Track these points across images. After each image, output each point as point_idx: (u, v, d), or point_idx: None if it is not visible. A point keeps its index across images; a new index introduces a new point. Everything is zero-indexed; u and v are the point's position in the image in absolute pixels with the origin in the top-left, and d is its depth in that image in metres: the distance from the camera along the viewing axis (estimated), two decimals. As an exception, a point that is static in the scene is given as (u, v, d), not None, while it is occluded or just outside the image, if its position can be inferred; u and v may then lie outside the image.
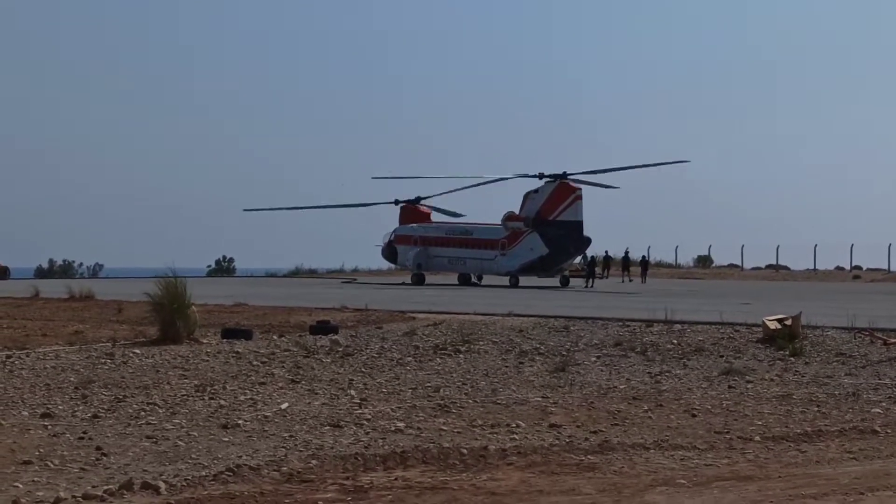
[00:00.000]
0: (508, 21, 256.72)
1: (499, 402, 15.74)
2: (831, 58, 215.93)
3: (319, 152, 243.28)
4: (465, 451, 11.77)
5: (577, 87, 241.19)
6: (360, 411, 14.66)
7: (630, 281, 66.70)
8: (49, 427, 13.15)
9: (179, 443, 12.29)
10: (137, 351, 20.44)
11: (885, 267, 79.91)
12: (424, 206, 68.54)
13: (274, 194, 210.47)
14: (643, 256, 74.62)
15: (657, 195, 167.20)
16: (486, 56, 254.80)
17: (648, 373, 18.77)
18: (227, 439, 12.56)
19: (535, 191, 62.28)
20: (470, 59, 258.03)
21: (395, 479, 10.43)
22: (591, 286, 59.60)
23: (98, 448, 11.81)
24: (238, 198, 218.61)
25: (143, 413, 14.25)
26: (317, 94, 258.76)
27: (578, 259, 66.13)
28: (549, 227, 60.68)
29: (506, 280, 60.60)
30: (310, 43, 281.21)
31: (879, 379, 17.87)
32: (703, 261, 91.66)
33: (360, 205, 70.59)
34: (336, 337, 22.87)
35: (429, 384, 17.32)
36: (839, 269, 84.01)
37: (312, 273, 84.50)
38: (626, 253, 73.02)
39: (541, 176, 61.94)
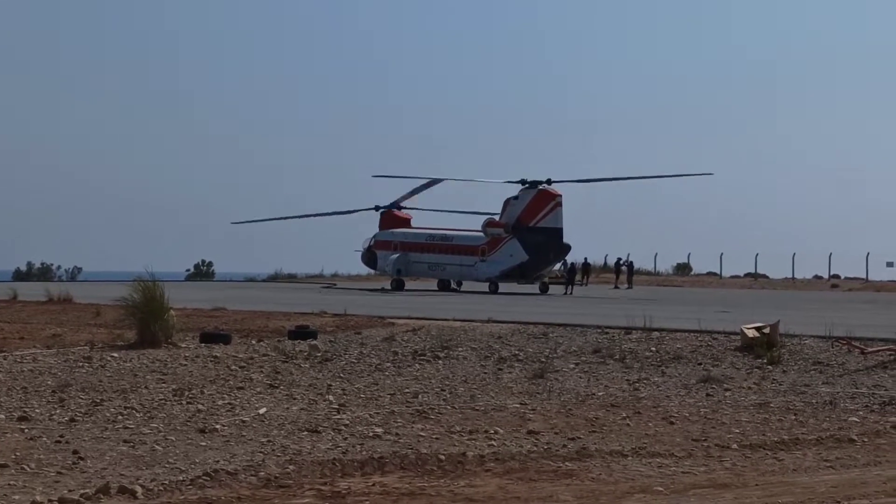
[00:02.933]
0: (503, 28, 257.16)
1: (477, 408, 15.74)
2: (820, 66, 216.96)
3: (305, 154, 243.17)
4: (443, 457, 11.77)
5: (563, 93, 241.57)
6: (338, 417, 14.64)
7: (630, 287, 67.25)
8: (26, 430, 13.09)
9: (157, 447, 12.25)
10: (115, 355, 20.38)
11: (863, 276, 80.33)
12: (404, 212, 68.52)
13: (257, 197, 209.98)
14: (630, 261, 74.98)
15: (636, 202, 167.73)
16: (479, 63, 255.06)
17: (627, 380, 18.80)
18: (204, 444, 12.53)
19: (515, 197, 62.39)
20: (463, 68, 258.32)
21: (373, 484, 10.42)
22: (571, 293, 59.68)
23: (75, 452, 11.77)
24: (219, 202, 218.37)
25: (120, 417, 14.20)
26: (303, 97, 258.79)
27: (558, 266, 66.29)
28: (530, 233, 60.79)
29: (485, 286, 60.61)
30: (299, 45, 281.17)
31: (856, 388, 17.94)
32: (682, 268, 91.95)
33: (342, 212, 70.58)
34: (315, 342, 22.82)
35: (407, 390, 17.31)
36: (817, 277, 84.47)
37: (292, 278, 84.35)
38: (619, 261, 74.07)
39: (523, 182, 62.04)
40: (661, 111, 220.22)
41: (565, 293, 59.20)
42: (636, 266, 79.12)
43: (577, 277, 67.25)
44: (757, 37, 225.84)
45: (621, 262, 74.68)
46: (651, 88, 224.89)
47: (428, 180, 66.94)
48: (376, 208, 68.45)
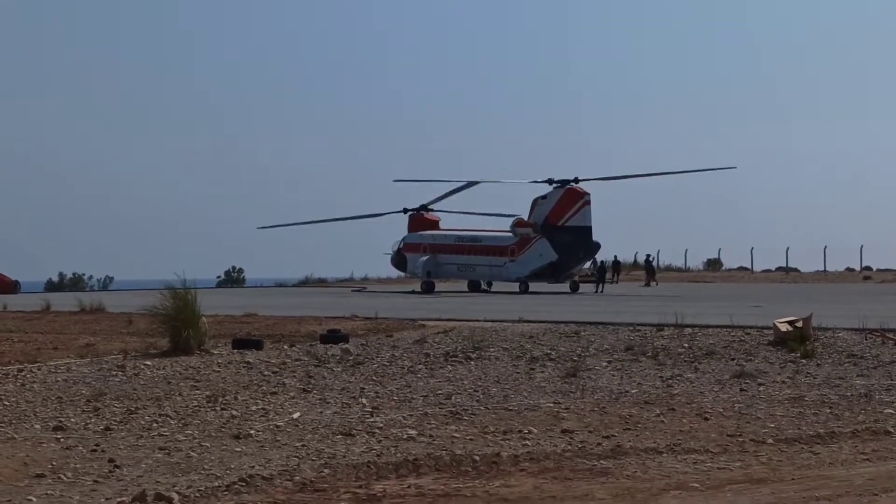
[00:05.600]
0: (522, 28, 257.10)
1: (510, 408, 15.72)
2: (840, 61, 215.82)
3: (330, 160, 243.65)
4: (477, 457, 11.76)
5: (582, 93, 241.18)
6: (371, 420, 14.65)
7: (657, 284, 67.33)
8: (62, 440, 13.16)
9: (192, 454, 12.29)
10: (149, 363, 20.45)
11: (896, 268, 79.81)
12: (432, 213, 68.58)
13: (285, 203, 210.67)
14: (649, 260, 74.96)
15: (665, 199, 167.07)
16: (498, 62, 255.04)
17: (660, 377, 18.74)
18: (239, 449, 12.56)
19: (544, 196, 62.30)
20: (481, 66, 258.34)
21: (408, 486, 10.43)
22: (602, 291, 59.57)
23: (111, 460, 11.82)
24: (248, 208, 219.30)
25: (155, 425, 14.26)
26: (326, 102, 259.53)
27: (588, 264, 66.20)
28: (559, 232, 60.69)
29: (516, 286, 60.57)
30: (318, 51, 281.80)
31: (891, 379, 17.83)
32: (713, 264, 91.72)
33: (370, 215, 70.84)
34: (347, 346, 22.85)
35: (440, 391, 17.30)
36: (849, 270, 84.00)
37: (322, 282, 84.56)
38: (647, 257, 74.30)
39: (550, 181, 62.00)
40: (686, 106, 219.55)
41: (596, 292, 59.10)
42: (666, 262, 79.02)
43: (608, 276, 67.16)
44: (780, 38, 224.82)
45: (650, 259, 74.64)
46: (675, 84, 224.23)
47: (465, 182, 66.48)
48: (405, 211, 68.56)
